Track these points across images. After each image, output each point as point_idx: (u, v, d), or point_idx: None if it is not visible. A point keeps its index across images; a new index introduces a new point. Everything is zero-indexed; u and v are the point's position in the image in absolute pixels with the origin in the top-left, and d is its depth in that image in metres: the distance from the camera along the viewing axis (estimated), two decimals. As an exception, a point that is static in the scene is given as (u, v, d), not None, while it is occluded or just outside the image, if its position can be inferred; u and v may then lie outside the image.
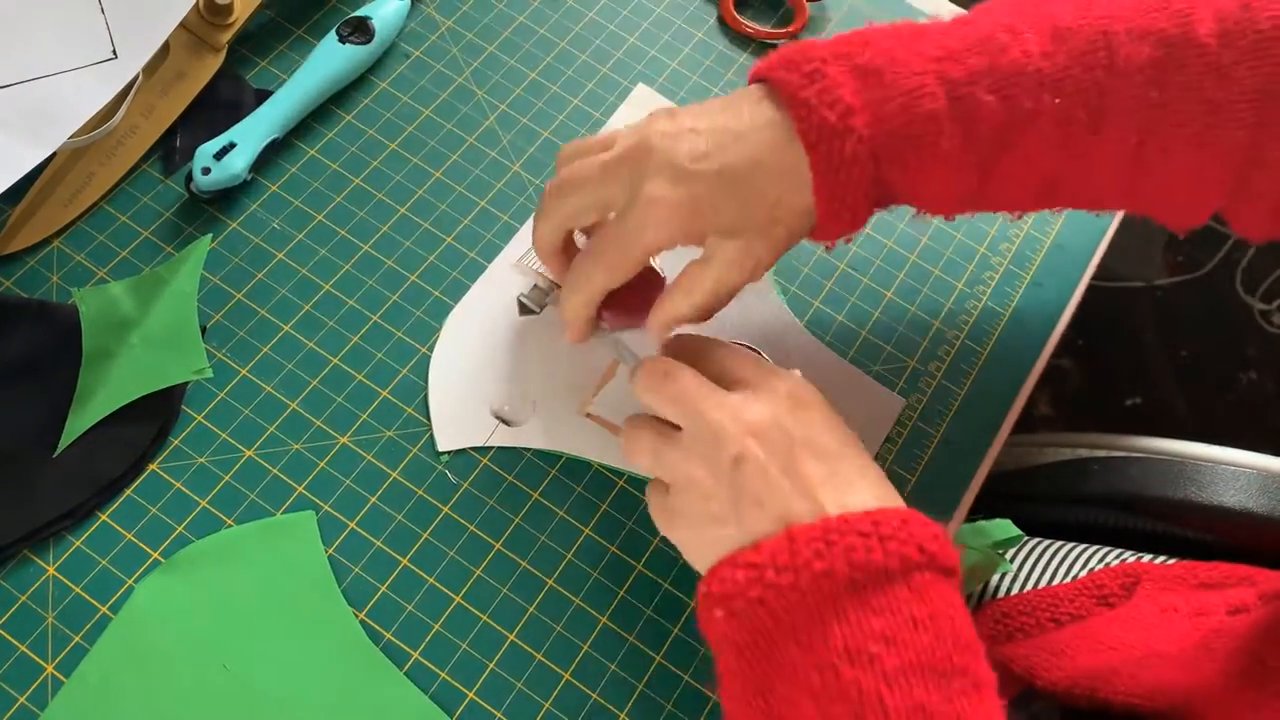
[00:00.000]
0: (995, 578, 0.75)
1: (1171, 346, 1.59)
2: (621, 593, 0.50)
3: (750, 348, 0.54)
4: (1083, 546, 0.79)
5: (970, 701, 0.37)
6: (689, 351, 0.46)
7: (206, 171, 0.54)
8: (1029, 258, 0.62)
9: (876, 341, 0.58)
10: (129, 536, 0.48)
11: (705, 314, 0.46)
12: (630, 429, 0.45)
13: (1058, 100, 0.43)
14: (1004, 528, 0.75)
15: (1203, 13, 0.43)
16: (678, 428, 0.43)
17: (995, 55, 0.43)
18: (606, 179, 0.44)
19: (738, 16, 0.66)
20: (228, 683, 0.46)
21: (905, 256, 0.61)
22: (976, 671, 0.38)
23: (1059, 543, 0.80)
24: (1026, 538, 0.80)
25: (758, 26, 0.67)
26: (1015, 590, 0.75)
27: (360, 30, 0.58)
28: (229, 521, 0.49)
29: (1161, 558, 0.74)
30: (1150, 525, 0.84)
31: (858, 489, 0.41)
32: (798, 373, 0.45)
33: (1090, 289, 0.66)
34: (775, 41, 0.66)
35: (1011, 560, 0.78)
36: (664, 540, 0.51)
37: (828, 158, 0.42)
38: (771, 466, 0.41)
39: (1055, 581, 0.75)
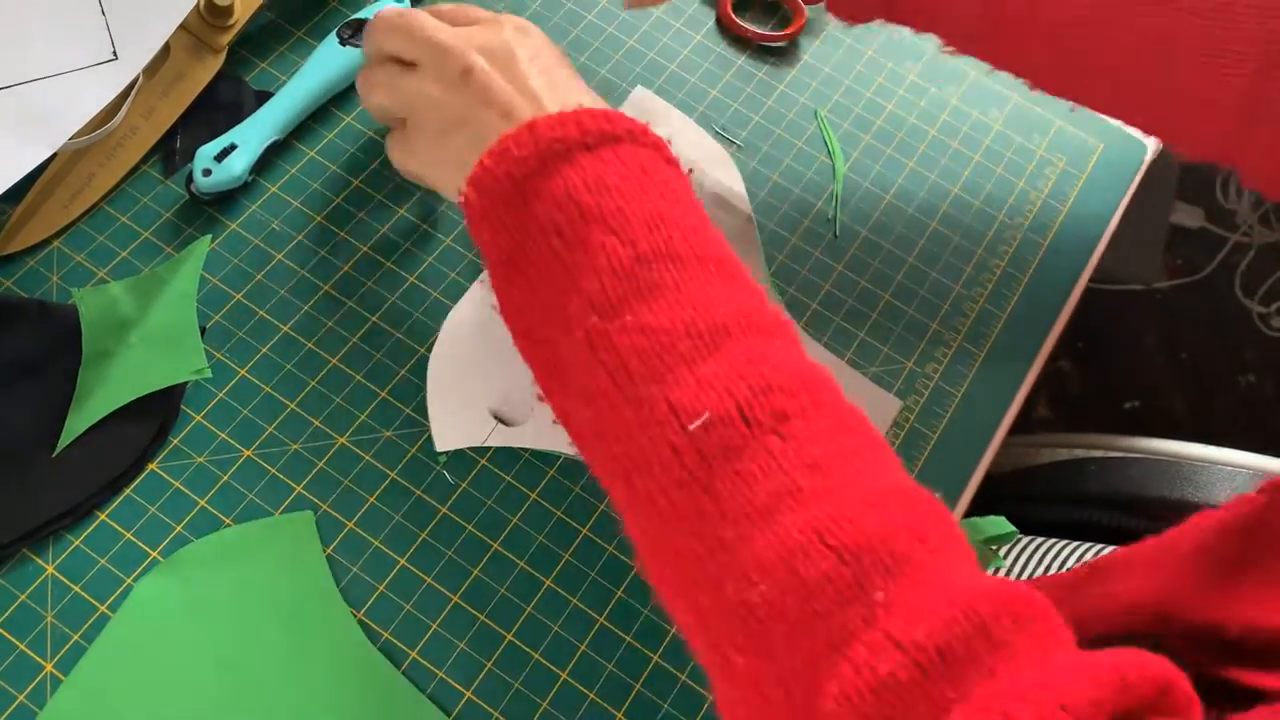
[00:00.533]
0: (989, 574, 0.75)
1: (1171, 349, 1.59)
2: (619, 593, 0.50)
3: None
4: (1077, 544, 0.79)
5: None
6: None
7: (207, 173, 0.54)
8: (1026, 260, 0.62)
9: (873, 343, 0.59)
10: (128, 536, 0.49)
11: None
12: (366, 69, 0.50)
13: None
14: (997, 524, 0.76)
15: None
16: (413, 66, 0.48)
17: None
18: None
19: (736, 18, 0.67)
20: (226, 682, 0.46)
21: (902, 259, 0.61)
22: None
23: (1054, 540, 0.80)
24: (1021, 536, 0.80)
25: (755, 29, 0.67)
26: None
27: (361, 32, 0.58)
28: (228, 521, 0.49)
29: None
30: (1148, 526, 0.83)
31: (580, 95, 0.46)
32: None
33: (1089, 292, 0.66)
34: (773, 44, 0.67)
35: (1005, 557, 0.78)
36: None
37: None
38: (497, 75, 0.45)
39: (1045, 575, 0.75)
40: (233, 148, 0.55)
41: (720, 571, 0.35)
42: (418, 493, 0.51)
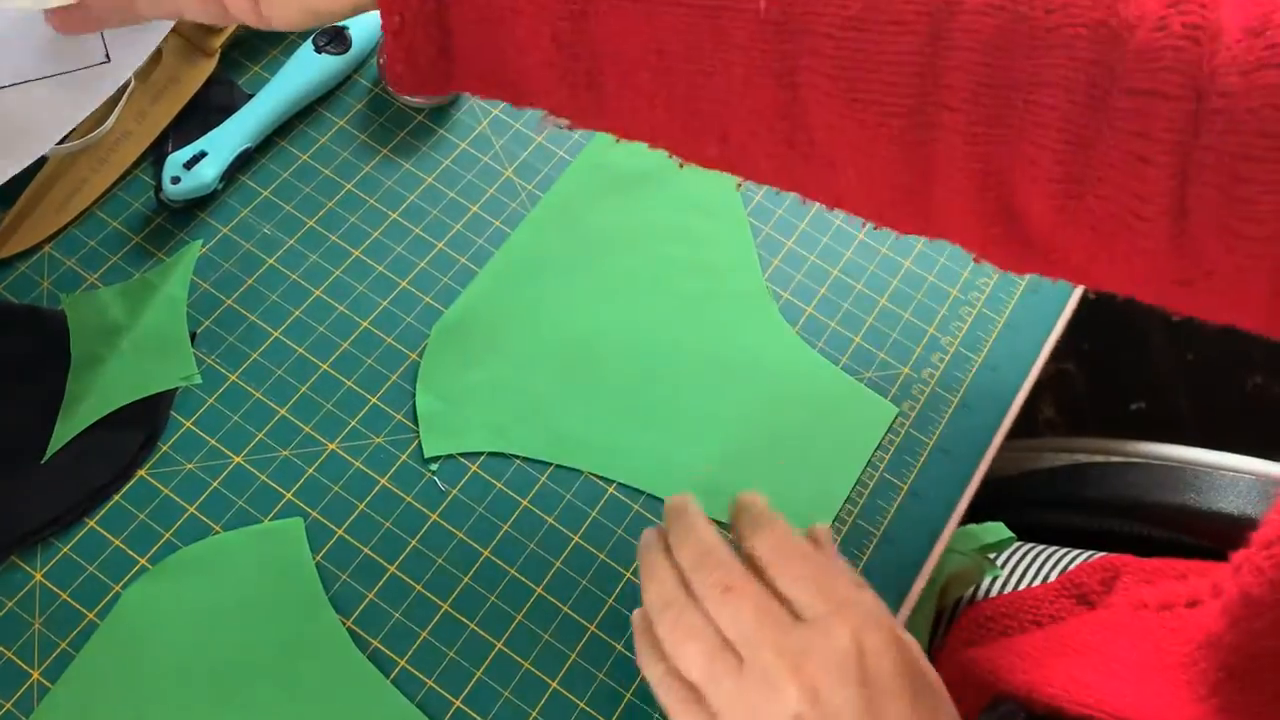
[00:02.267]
0: (986, 581, 0.74)
1: (1178, 350, 1.58)
2: (610, 601, 0.50)
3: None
4: (1077, 551, 0.78)
5: None
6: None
7: (176, 180, 0.54)
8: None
9: (869, 348, 0.58)
10: (116, 543, 0.48)
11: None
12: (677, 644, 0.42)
13: None
14: (995, 530, 0.75)
15: None
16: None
17: None
18: None
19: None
20: (215, 691, 0.46)
21: (899, 263, 0.61)
22: None
23: (1053, 547, 0.79)
24: (1020, 542, 0.80)
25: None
26: (1007, 591, 0.74)
27: (337, 40, 0.58)
28: (217, 528, 0.49)
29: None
30: (1149, 531, 0.83)
31: None
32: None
33: (1096, 292, 0.66)
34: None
35: (1004, 565, 0.77)
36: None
37: None
38: None
39: (1043, 582, 0.74)
40: (203, 155, 0.55)
41: None
42: (408, 499, 0.51)
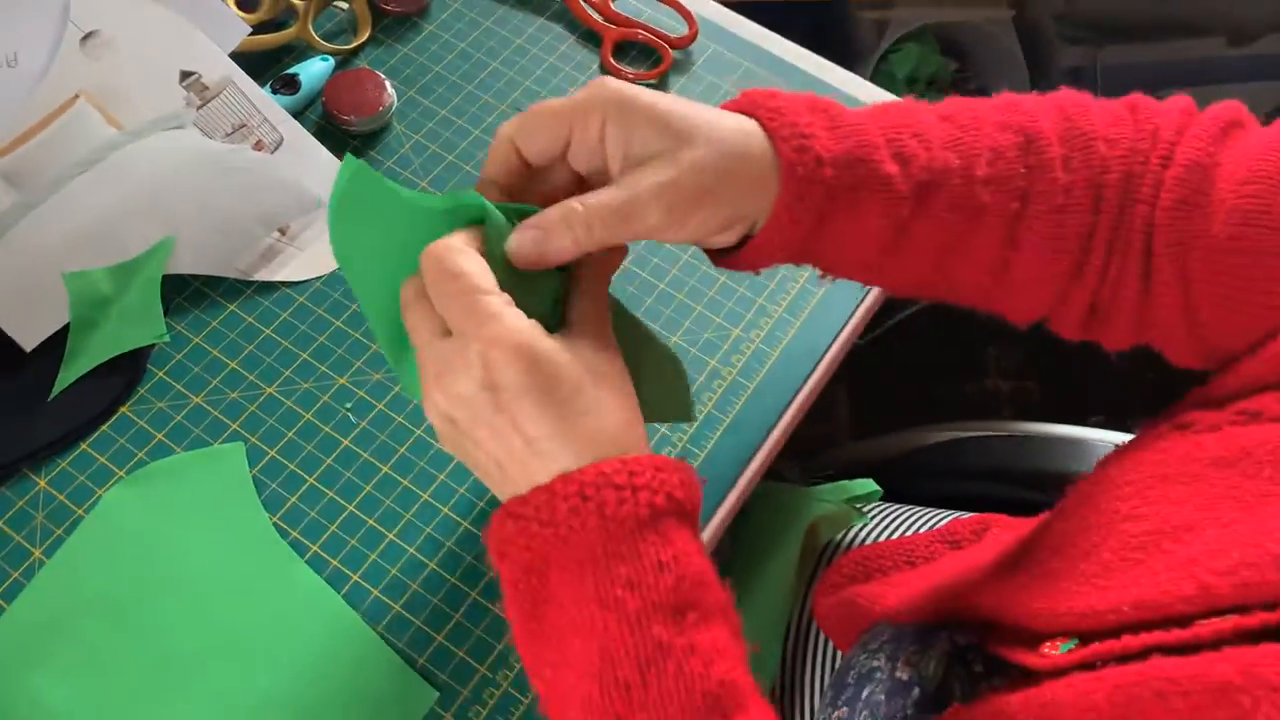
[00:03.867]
0: (864, 529, 0.85)
1: (1137, 369, 1.67)
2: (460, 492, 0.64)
3: None
4: (955, 512, 0.89)
5: (699, 631, 0.43)
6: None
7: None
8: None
9: (709, 315, 0.72)
10: (102, 460, 0.63)
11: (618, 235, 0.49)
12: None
13: (958, 161, 0.50)
14: (864, 485, 0.87)
15: (1042, 119, 0.52)
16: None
17: (914, 123, 0.51)
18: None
19: (615, 62, 0.81)
20: (170, 569, 0.60)
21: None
22: (708, 602, 0.44)
23: (933, 509, 0.90)
24: (904, 505, 0.91)
25: (632, 70, 0.81)
26: (882, 539, 0.84)
27: (289, 85, 0.74)
28: (178, 449, 0.64)
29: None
30: (1020, 495, 0.94)
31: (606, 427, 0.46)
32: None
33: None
34: (646, 81, 0.81)
35: (886, 522, 0.88)
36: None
37: (793, 170, 0.48)
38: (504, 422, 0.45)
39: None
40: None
41: None
42: (326, 430, 0.65)
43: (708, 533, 0.65)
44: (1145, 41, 1.51)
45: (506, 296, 0.45)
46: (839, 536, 0.85)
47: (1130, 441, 0.56)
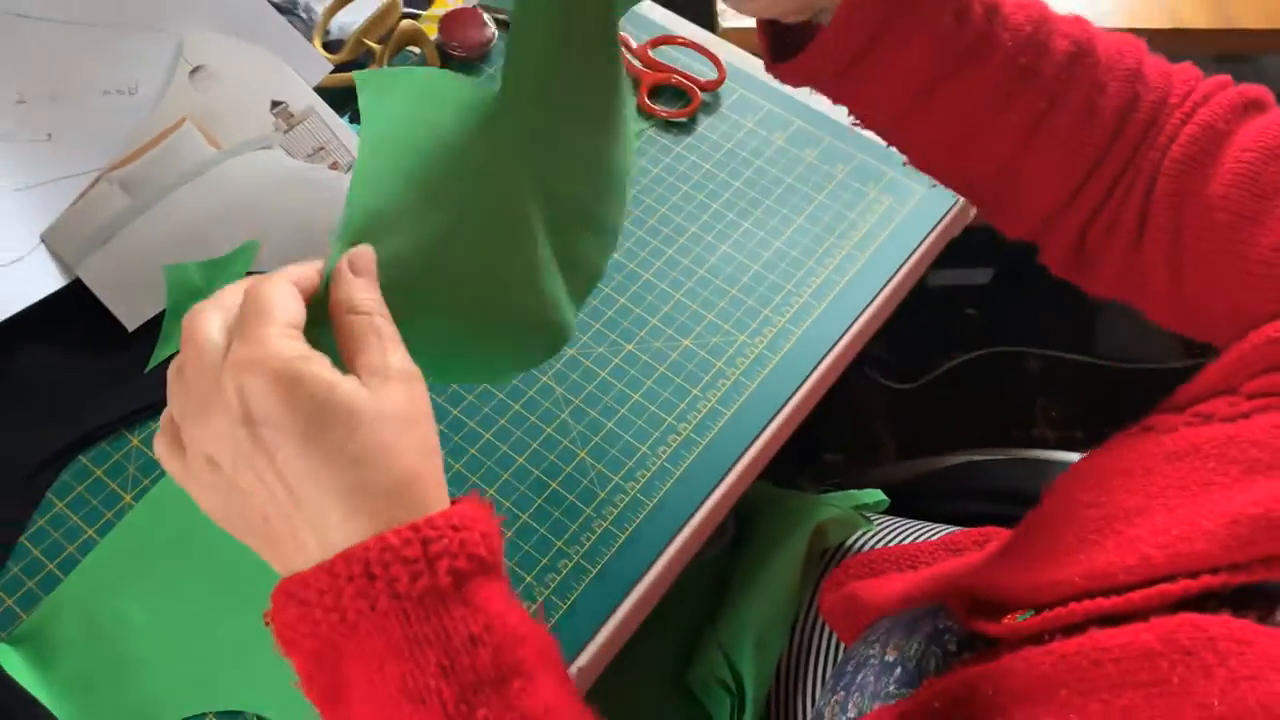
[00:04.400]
0: (871, 537, 0.91)
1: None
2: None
3: None
4: (961, 528, 0.94)
5: (527, 697, 0.39)
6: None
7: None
8: (845, 268, 0.83)
9: (718, 323, 0.80)
10: (185, 424, 0.74)
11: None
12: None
13: (1010, 43, 0.54)
14: (871, 494, 0.93)
15: (1099, 41, 0.57)
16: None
17: None
18: None
19: (649, 103, 0.91)
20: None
21: (749, 266, 0.83)
22: (530, 659, 0.40)
23: (941, 525, 0.96)
24: (907, 521, 0.96)
25: (665, 109, 0.91)
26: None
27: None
28: (249, 418, 0.74)
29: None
30: (1024, 514, 1.00)
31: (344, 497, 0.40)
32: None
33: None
34: (677, 120, 0.91)
35: (895, 535, 0.94)
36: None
37: None
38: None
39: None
40: (278, 184, 0.82)
41: None
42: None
43: (703, 512, 0.73)
44: None
45: (297, 333, 0.42)
46: (846, 541, 0.91)
47: (1103, 444, 0.62)
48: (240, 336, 0.41)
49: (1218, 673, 0.40)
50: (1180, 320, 0.59)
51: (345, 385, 0.40)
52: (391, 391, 0.42)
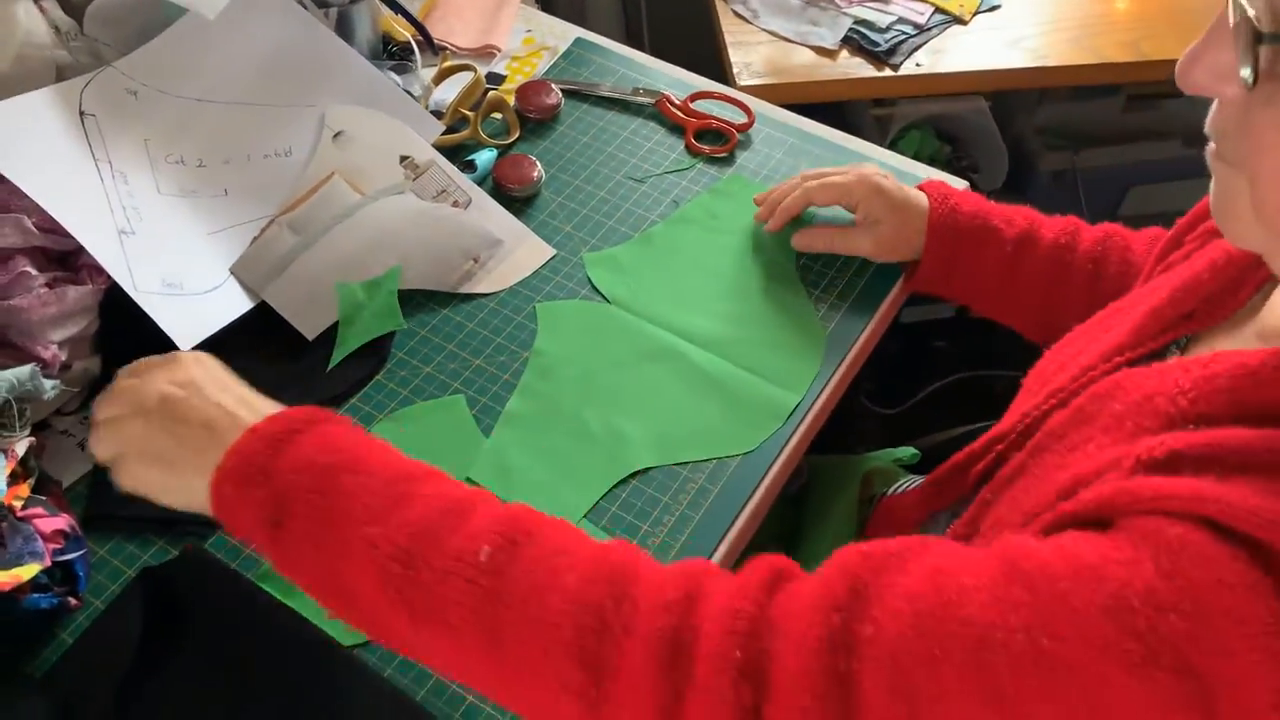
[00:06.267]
0: (908, 484, 1.09)
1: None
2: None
3: None
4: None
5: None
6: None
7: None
8: (856, 276, 1.03)
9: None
10: (366, 409, 0.91)
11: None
12: (92, 434, 0.65)
13: (1050, 236, 0.92)
14: (905, 450, 1.12)
15: (1082, 228, 0.94)
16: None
17: (1020, 213, 0.94)
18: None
19: (696, 144, 1.12)
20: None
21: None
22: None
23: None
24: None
25: (709, 147, 1.12)
26: None
27: (469, 167, 1.05)
28: (417, 401, 0.91)
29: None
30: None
31: (260, 403, 0.65)
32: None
33: None
34: (718, 156, 1.11)
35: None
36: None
37: (938, 215, 0.93)
38: (191, 399, 0.62)
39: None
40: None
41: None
42: (513, 383, 0.93)
43: (779, 465, 0.90)
44: (1115, 145, 1.76)
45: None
46: (888, 490, 1.09)
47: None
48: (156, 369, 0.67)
49: (1115, 394, 0.61)
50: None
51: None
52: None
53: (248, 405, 0.63)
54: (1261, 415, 0.52)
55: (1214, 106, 0.54)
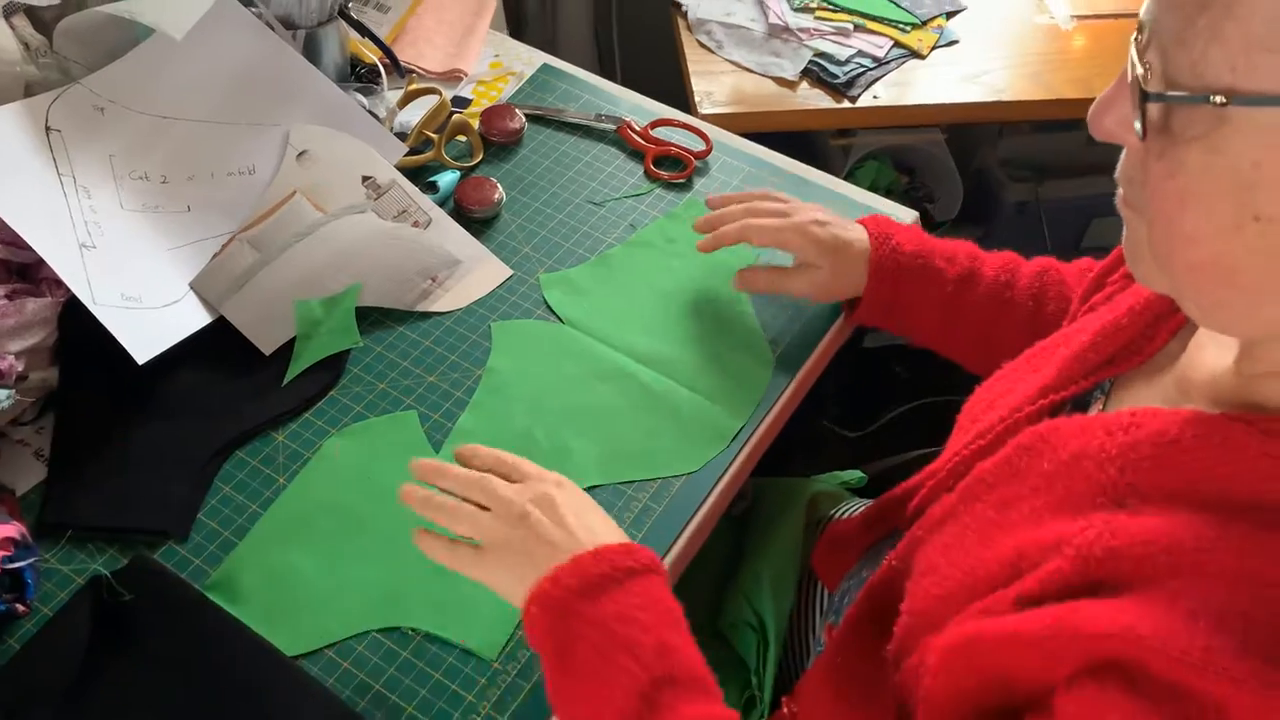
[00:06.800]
0: (853, 507, 1.11)
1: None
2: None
3: None
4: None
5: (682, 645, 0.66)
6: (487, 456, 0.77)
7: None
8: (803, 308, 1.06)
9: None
10: (319, 423, 0.92)
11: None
12: (457, 509, 0.73)
13: (989, 272, 0.95)
14: (853, 474, 1.15)
15: (1021, 264, 0.97)
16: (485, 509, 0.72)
17: (959, 248, 0.96)
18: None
19: (655, 169, 1.15)
20: (369, 486, 0.88)
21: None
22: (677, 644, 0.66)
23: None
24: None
25: (668, 173, 1.15)
26: None
27: (431, 188, 1.07)
28: (370, 416, 0.93)
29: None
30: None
31: (605, 532, 0.71)
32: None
33: None
34: (676, 182, 1.14)
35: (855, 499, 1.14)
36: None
37: (879, 253, 0.93)
38: (545, 520, 0.69)
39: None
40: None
41: None
42: (465, 399, 0.95)
43: (724, 483, 0.93)
44: (1078, 177, 1.80)
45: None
46: (833, 512, 1.12)
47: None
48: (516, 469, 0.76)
49: (1043, 449, 0.63)
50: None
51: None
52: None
53: (589, 531, 0.70)
54: (1189, 494, 0.54)
55: (1123, 154, 0.57)
